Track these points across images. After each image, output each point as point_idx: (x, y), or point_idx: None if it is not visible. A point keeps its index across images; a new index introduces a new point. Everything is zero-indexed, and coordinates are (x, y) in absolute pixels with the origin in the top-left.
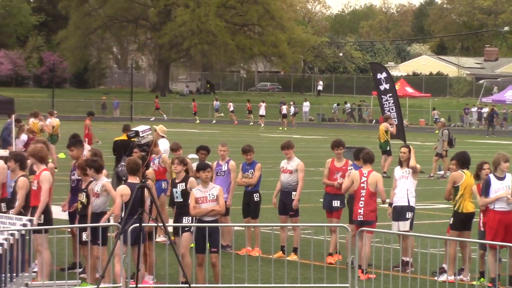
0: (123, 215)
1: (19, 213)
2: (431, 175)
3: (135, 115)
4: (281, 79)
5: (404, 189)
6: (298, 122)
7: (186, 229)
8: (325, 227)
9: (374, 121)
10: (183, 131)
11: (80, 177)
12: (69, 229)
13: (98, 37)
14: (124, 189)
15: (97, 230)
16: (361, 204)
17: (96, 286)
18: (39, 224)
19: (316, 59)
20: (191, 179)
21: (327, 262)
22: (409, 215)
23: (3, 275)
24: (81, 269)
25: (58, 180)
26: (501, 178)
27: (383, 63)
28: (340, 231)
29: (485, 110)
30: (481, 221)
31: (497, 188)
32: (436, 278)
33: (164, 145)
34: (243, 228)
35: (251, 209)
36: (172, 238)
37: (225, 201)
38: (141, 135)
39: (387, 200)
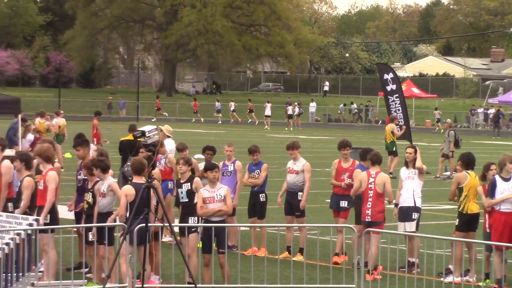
0: (127, 215)
1: (25, 213)
2: (437, 176)
3: (141, 115)
4: (287, 80)
5: (410, 190)
6: (304, 122)
7: (192, 229)
8: (331, 228)
9: (380, 121)
10: (189, 131)
11: (86, 177)
12: (75, 229)
13: (105, 37)
14: (128, 189)
15: (103, 230)
16: (369, 205)
17: (102, 286)
18: (45, 224)
19: (323, 59)
20: (197, 179)
21: (333, 262)
22: (415, 215)
23: (10, 274)
24: (87, 269)
25: (64, 180)
26: (507, 179)
27: (389, 64)
28: (346, 231)
29: (491, 111)
30: (486, 222)
31: (503, 189)
32: (442, 279)
33: (170, 145)
34: (249, 229)
35: (257, 210)
36: (178, 238)
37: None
38: (147, 135)
39: (394, 201)
